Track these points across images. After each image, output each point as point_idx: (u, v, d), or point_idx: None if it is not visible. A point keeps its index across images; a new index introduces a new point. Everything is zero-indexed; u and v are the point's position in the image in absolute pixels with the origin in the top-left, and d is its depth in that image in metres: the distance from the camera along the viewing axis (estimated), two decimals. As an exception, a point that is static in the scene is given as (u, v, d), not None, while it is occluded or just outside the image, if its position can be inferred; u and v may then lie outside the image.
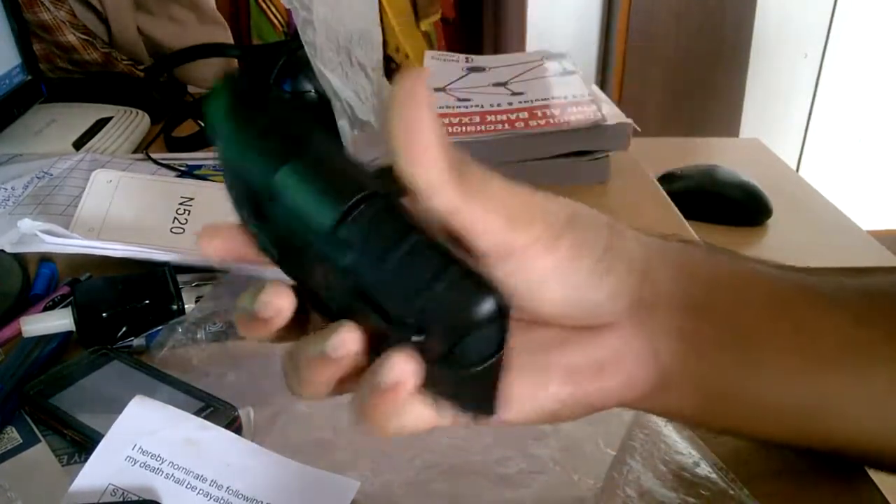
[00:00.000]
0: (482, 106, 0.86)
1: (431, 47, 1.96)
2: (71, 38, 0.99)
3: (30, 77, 0.87)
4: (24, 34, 0.87)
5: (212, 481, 0.41)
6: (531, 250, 0.29)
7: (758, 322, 0.34)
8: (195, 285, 0.59)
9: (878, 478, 0.46)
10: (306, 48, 0.73)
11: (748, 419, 0.36)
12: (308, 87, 0.84)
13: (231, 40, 1.23)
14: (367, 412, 0.27)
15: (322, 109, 0.78)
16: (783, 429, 0.36)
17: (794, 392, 0.35)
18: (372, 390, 0.27)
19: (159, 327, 0.55)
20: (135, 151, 0.89)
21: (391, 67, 0.93)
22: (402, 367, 0.26)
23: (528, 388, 0.31)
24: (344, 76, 0.77)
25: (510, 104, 0.85)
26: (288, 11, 0.73)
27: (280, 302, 0.29)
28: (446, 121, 0.84)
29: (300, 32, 0.72)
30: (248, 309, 0.29)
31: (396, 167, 0.27)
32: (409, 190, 0.27)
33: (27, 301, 0.60)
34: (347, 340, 0.27)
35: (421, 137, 0.26)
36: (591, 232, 0.31)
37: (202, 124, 0.89)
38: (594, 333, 0.32)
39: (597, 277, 0.31)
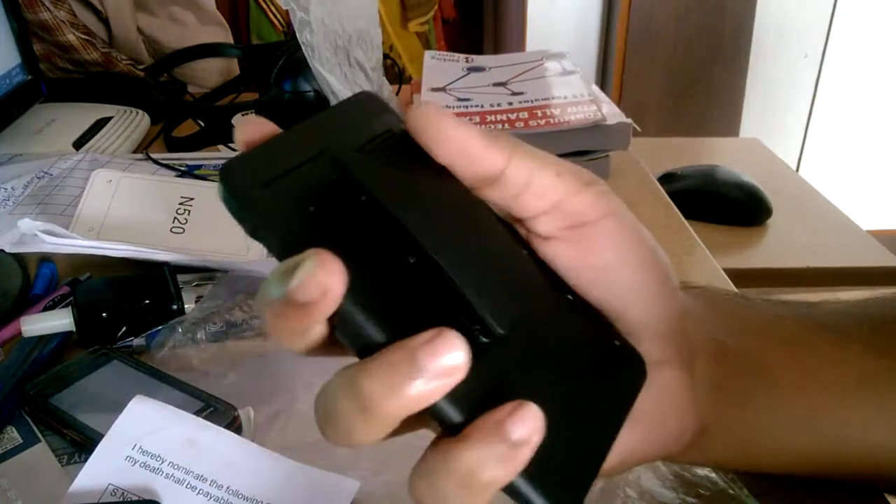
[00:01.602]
0: (482, 106, 0.86)
1: (429, 47, 1.96)
2: (71, 37, 0.99)
3: (30, 77, 0.87)
4: (24, 34, 0.87)
5: (212, 481, 0.41)
6: (595, 226, 0.27)
7: (782, 364, 0.35)
8: (195, 285, 0.59)
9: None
10: (304, 49, 0.73)
11: (777, 456, 0.36)
12: (307, 87, 0.85)
13: (231, 40, 1.23)
14: None
15: (321, 110, 0.78)
16: (809, 462, 0.37)
17: (820, 426, 0.35)
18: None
19: (159, 327, 0.55)
20: (135, 151, 0.89)
21: (387, 66, 0.92)
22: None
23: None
24: (343, 76, 0.77)
25: (510, 104, 0.86)
26: (287, 11, 0.73)
27: (328, 278, 0.21)
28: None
29: (297, 33, 0.72)
30: (279, 293, 0.21)
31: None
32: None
33: (27, 301, 0.60)
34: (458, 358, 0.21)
35: (443, 125, 0.25)
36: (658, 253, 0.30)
37: (202, 124, 0.89)
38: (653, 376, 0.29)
39: (668, 292, 0.29)
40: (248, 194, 0.23)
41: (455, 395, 0.22)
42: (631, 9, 2.17)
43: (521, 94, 0.88)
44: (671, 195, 0.83)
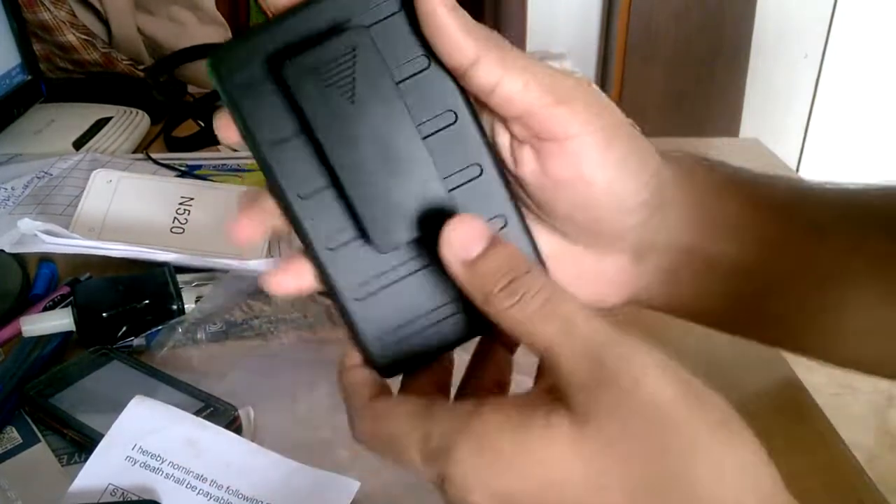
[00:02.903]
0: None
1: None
2: (71, 38, 0.99)
3: (30, 77, 0.87)
4: (24, 34, 0.87)
5: (212, 481, 0.41)
6: (584, 141, 0.28)
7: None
8: (195, 285, 0.59)
9: (878, 478, 0.46)
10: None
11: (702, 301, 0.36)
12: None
13: (231, 40, 1.23)
14: None
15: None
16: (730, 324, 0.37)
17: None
18: None
19: (159, 327, 0.55)
20: (135, 151, 0.89)
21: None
22: None
23: None
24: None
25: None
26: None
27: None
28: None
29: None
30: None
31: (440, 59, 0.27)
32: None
33: (27, 301, 0.60)
34: None
35: (439, 21, 0.26)
36: (645, 154, 0.31)
37: (202, 124, 0.89)
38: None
39: (638, 209, 0.30)
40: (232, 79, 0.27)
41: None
42: (631, 9, 2.17)
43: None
44: (671, 195, 0.83)
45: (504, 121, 0.28)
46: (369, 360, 0.29)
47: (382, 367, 0.29)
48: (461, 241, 0.26)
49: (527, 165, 0.29)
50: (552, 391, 0.24)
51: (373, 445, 0.27)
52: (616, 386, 0.23)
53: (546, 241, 0.31)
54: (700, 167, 0.35)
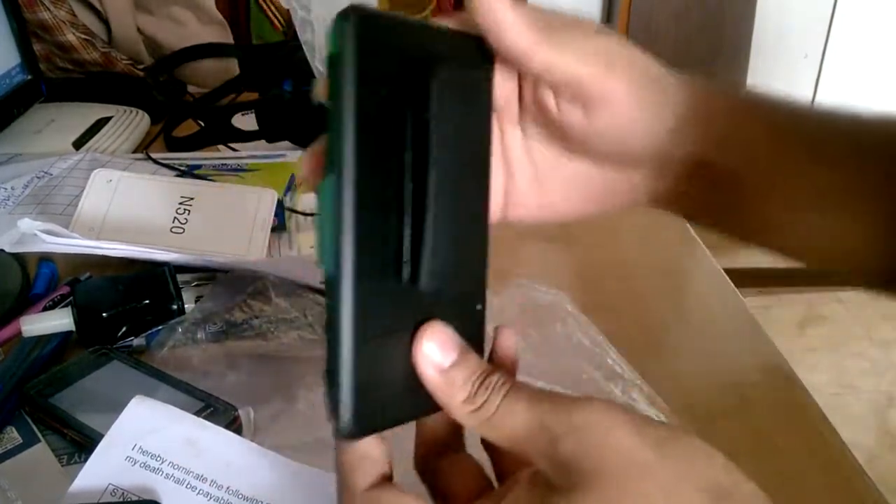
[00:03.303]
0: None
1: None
2: (71, 37, 0.99)
3: (30, 77, 0.87)
4: (24, 34, 0.87)
5: (212, 481, 0.41)
6: (627, 98, 0.32)
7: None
8: (195, 285, 0.59)
9: (878, 478, 0.46)
10: (304, 48, 0.73)
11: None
12: (308, 87, 0.84)
13: (231, 40, 1.23)
14: None
15: (322, 111, 0.77)
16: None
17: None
18: None
19: (159, 327, 0.55)
20: (135, 151, 0.89)
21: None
22: None
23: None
24: (344, 76, 0.76)
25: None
26: (288, 11, 0.73)
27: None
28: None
29: (298, 33, 0.72)
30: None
31: (490, 44, 0.30)
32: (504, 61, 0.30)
33: (27, 301, 0.60)
34: None
35: (496, 9, 0.29)
36: (671, 89, 0.34)
37: (202, 124, 0.89)
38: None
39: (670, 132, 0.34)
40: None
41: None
42: (631, 9, 2.17)
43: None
44: (671, 195, 0.83)
45: (553, 86, 0.32)
46: (343, 412, 0.25)
47: (355, 422, 0.25)
48: (439, 346, 0.27)
49: (571, 116, 0.33)
50: (533, 478, 0.26)
51: None
52: (584, 451, 0.25)
53: (576, 165, 0.35)
54: (715, 91, 0.38)
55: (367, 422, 0.26)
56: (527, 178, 0.36)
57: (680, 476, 0.24)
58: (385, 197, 0.26)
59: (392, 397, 0.27)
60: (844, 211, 0.36)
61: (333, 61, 0.25)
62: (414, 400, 0.27)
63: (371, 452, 0.27)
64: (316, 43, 0.72)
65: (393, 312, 0.26)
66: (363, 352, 0.25)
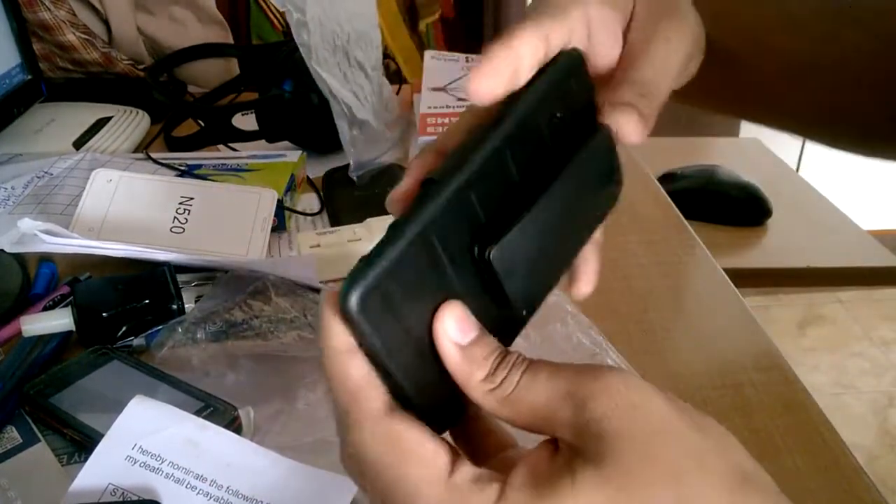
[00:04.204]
0: (482, 106, 0.85)
1: (428, 47, 1.96)
2: (71, 37, 0.99)
3: (30, 76, 0.87)
4: (24, 34, 0.87)
5: (212, 481, 0.41)
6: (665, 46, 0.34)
7: None
8: (195, 285, 0.60)
9: (878, 478, 0.46)
10: (301, 49, 0.72)
11: None
12: (307, 87, 0.84)
13: (231, 40, 1.23)
14: None
15: (322, 111, 0.78)
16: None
17: None
18: None
19: (159, 327, 0.55)
20: (135, 151, 0.89)
21: (388, 66, 0.92)
22: None
23: None
24: (342, 77, 0.76)
25: (510, 104, 0.85)
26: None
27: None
28: (446, 120, 0.84)
29: (294, 34, 0.72)
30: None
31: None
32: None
33: (27, 301, 0.60)
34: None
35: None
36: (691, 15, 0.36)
37: (202, 124, 0.89)
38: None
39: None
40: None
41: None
42: None
43: (521, 93, 0.88)
44: (671, 195, 0.83)
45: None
46: (358, 286, 0.24)
47: (360, 299, 0.24)
48: (458, 323, 0.26)
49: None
50: (564, 449, 0.25)
51: (373, 473, 0.26)
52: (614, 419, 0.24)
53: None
54: None
55: (371, 315, 0.24)
56: None
57: (712, 451, 0.24)
58: (508, 173, 0.28)
59: (401, 333, 0.26)
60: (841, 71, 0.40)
61: None
62: (417, 361, 0.26)
63: (374, 379, 0.26)
64: (312, 44, 0.72)
65: (451, 255, 0.26)
66: (409, 254, 0.25)
